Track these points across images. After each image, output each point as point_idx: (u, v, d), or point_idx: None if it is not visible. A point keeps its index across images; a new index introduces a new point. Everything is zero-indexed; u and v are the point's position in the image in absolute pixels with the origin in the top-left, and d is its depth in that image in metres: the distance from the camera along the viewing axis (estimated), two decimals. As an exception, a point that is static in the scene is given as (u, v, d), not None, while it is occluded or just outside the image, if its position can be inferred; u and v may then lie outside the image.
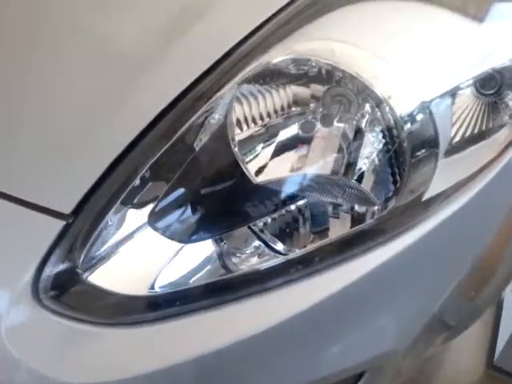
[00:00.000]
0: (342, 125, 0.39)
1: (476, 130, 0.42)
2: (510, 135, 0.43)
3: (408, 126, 0.37)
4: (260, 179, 0.39)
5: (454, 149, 0.41)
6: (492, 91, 0.42)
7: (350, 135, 0.39)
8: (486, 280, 0.54)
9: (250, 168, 0.39)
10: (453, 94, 0.40)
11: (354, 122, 0.39)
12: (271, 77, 0.40)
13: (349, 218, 0.40)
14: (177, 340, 0.37)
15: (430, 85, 0.38)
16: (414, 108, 0.37)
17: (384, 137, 0.38)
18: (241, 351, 0.36)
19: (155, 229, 0.39)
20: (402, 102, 0.37)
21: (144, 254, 0.40)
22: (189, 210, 0.40)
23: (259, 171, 0.39)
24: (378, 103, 0.38)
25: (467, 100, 0.42)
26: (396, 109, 0.37)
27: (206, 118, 0.40)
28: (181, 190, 0.40)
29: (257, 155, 0.40)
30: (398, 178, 0.38)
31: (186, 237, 0.39)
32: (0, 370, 0.39)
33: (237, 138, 0.39)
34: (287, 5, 0.41)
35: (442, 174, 0.41)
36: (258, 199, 0.40)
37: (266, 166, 0.40)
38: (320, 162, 0.39)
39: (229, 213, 0.41)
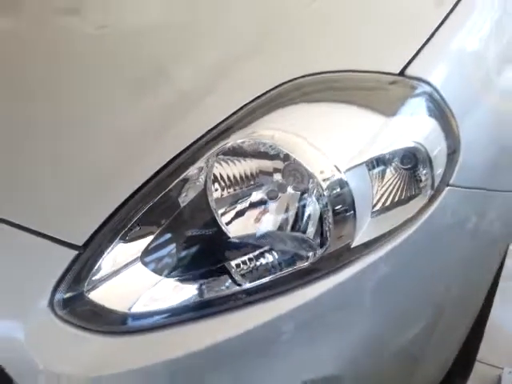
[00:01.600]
0: (293, 191, 0.53)
1: (397, 196, 0.55)
2: (422, 201, 0.55)
3: (328, 194, 0.50)
4: (232, 234, 0.51)
5: (380, 210, 0.54)
6: (409, 166, 0.56)
7: (297, 200, 0.52)
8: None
9: (225, 222, 0.52)
10: (372, 169, 0.53)
11: (301, 190, 0.52)
12: (240, 152, 0.54)
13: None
14: (147, 347, 0.48)
15: (348, 164, 0.51)
16: (334, 182, 0.50)
17: (317, 202, 0.51)
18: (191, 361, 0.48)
19: (144, 263, 0.52)
20: (326, 177, 0.50)
21: (132, 281, 0.52)
22: (172, 253, 0.53)
23: (231, 225, 0.52)
24: (312, 178, 0.51)
25: (390, 173, 0.55)
26: (321, 182, 0.50)
27: (187, 180, 0.54)
28: (167, 236, 0.53)
29: (230, 213, 0.53)
30: (327, 231, 0.50)
31: (167, 273, 0.52)
32: (19, 369, 0.50)
33: (214, 198, 0.52)
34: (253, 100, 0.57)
35: (370, 229, 0.53)
36: (229, 247, 0.53)
37: (237, 222, 0.52)
38: (273, 220, 0.52)
39: (206, 257, 0.54)
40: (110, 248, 0.52)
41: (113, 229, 0.52)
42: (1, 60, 0.77)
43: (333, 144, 0.53)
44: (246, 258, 0.53)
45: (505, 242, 0.74)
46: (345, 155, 0.51)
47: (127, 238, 0.52)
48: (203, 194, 0.53)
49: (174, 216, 0.53)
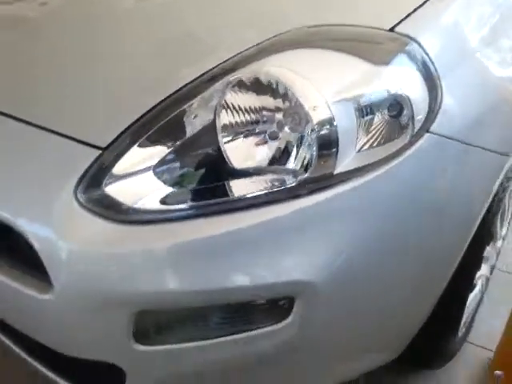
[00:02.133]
0: (288, 131, 0.61)
1: (380, 137, 0.63)
2: (403, 142, 0.63)
3: (318, 129, 0.58)
4: (233, 162, 0.60)
5: (363, 147, 0.62)
6: (394, 113, 0.64)
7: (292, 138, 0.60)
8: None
9: (227, 150, 0.61)
10: (359, 112, 0.61)
11: (296, 131, 0.60)
12: (249, 86, 0.61)
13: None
14: (147, 235, 0.58)
15: (338, 103, 0.60)
16: (324, 119, 0.59)
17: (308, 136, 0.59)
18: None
19: (155, 173, 0.61)
20: (318, 114, 0.58)
21: (142, 184, 0.61)
22: (180, 168, 0.62)
23: (233, 153, 0.60)
24: (306, 114, 0.59)
25: (376, 117, 0.63)
26: (313, 118, 0.58)
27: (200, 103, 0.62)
28: (178, 153, 0.62)
29: (233, 142, 0.61)
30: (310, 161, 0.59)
31: (172, 183, 0.61)
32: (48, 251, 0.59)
33: (221, 124, 0.61)
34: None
35: (352, 161, 0.62)
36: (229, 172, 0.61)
37: (238, 152, 0.61)
38: (270, 156, 0.60)
39: (208, 176, 0.62)
40: (128, 152, 0.61)
41: (133, 135, 0.62)
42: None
43: (326, 83, 0.61)
44: (242, 179, 0.62)
45: (480, 201, 0.80)
46: (336, 95, 0.60)
47: (144, 146, 0.62)
48: (213, 119, 0.61)
49: (186, 136, 0.62)
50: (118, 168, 0.61)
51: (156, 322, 0.62)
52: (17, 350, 0.85)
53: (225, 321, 0.63)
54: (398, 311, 0.75)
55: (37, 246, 0.59)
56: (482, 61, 0.75)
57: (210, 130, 0.61)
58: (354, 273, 0.64)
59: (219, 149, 0.61)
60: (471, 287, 0.97)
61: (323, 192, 0.60)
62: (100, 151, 0.61)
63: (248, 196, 0.60)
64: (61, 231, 0.59)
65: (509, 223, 1.24)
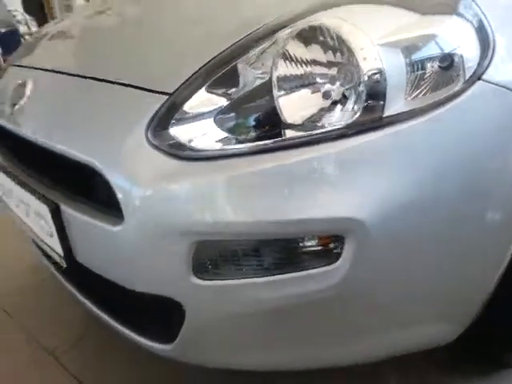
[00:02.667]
0: (340, 85, 0.65)
1: (431, 84, 0.65)
2: (454, 89, 0.65)
3: (367, 80, 0.62)
4: (286, 117, 0.64)
5: (413, 93, 0.64)
6: (446, 64, 0.65)
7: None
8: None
9: (281, 103, 0.66)
10: (411, 63, 0.64)
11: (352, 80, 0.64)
12: (307, 37, 0.67)
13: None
14: (204, 169, 0.65)
15: (389, 56, 0.63)
16: (374, 70, 0.63)
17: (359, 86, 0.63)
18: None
19: (215, 121, 0.67)
20: (367, 65, 0.62)
21: (202, 128, 0.67)
22: (237, 118, 0.67)
23: (285, 109, 0.65)
24: (357, 65, 0.63)
25: (430, 69, 0.65)
26: (364, 68, 0.62)
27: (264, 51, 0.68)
28: (237, 104, 0.68)
29: (286, 97, 0.66)
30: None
31: (229, 130, 0.67)
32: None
33: (277, 74, 0.66)
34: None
35: (402, 106, 0.64)
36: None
37: (290, 109, 0.65)
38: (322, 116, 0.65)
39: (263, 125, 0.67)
40: (191, 98, 0.68)
41: (196, 83, 0.69)
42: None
43: (378, 34, 0.64)
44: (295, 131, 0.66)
45: None
46: (388, 47, 0.63)
47: (207, 93, 0.68)
48: (271, 70, 0.67)
49: (244, 87, 0.68)
50: (182, 112, 0.68)
51: (213, 257, 0.67)
52: (82, 299, 0.94)
53: (277, 260, 0.66)
54: (455, 271, 0.73)
55: (112, 181, 0.67)
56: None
57: (267, 82, 0.67)
58: (404, 217, 0.64)
59: (273, 101, 0.66)
60: None
61: (371, 133, 0.63)
62: (167, 96, 0.69)
63: (299, 135, 0.64)
64: (132, 168, 0.67)
65: None
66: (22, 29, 6.13)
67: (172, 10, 1.01)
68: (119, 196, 0.67)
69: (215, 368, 0.83)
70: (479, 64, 0.66)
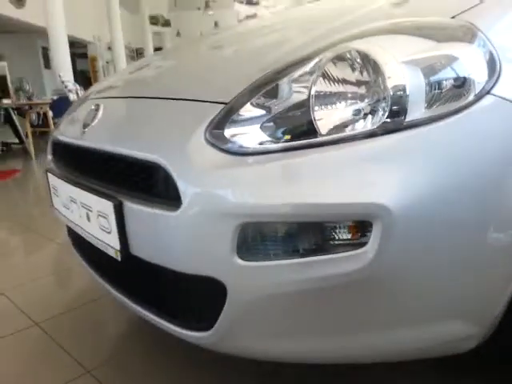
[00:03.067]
0: (369, 102, 0.78)
1: (446, 97, 0.77)
2: (466, 101, 0.76)
3: (392, 94, 0.75)
4: (323, 132, 0.77)
5: (431, 104, 0.76)
6: (459, 83, 0.78)
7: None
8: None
9: (317, 117, 0.79)
10: (429, 83, 0.76)
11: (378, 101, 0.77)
12: (344, 58, 0.81)
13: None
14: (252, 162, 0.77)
15: (411, 76, 0.76)
16: (397, 86, 0.75)
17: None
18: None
19: (261, 128, 0.80)
20: (392, 81, 0.75)
21: (250, 132, 0.81)
22: (280, 125, 0.80)
23: (320, 121, 0.78)
24: (385, 83, 0.76)
25: (445, 87, 0.77)
26: (389, 84, 0.75)
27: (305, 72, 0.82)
28: (279, 114, 0.81)
29: (322, 111, 0.79)
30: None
31: (271, 135, 0.80)
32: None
33: (314, 91, 0.79)
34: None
35: (421, 114, 0.75)
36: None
37: (325, 122, 0.79)
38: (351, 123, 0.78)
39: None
40: (243, 107, 0.82)
41: (247, 96, 0.84)
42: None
43: (402, 58, 0.78)
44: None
45: None
46: (410, 68, 0.76)
47: (255, 104, 0.82)
48: (310, 88, 0.80)
49: (287, 100, 0.82)
50: (235, 118, 0.82)
51: (254, 239, 0.76)
52: (125, 299, 1.03)
53: (312, 242, 0.75)
54: (478, 267, 0.80)
55: (173, 173, 0.80)
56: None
57: (305, 98, 0.80)
58: (426, 207, 0.73)
59: (310, 114, 0.79)
60: None
61: (395, 134, 0.74)
62: (224, 105, 0.84)
63: (331, 137, 0.76)
64: (191, 161, 0.80)
65: None
66: (72, 96, 6.76)
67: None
68: (179, 185, 0.79)
69: (250, 358, 0.88)
70: (487, 82, 0.78)
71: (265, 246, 0.77)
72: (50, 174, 1.27)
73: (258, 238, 0.76)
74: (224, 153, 0.79)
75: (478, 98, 0.77)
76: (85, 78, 12.89)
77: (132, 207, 0.88)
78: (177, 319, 0.93)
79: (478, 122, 0.77)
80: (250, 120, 0.81)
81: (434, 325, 0.83)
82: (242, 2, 8.87)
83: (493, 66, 0.79)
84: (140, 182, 0.90)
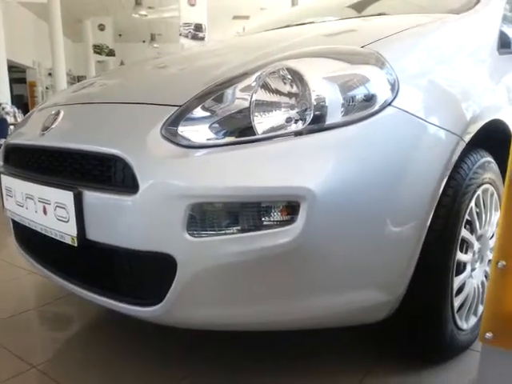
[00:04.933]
0: (298, 109, 0.96)
1: (357, 106, 0.96)
2: (373, 109, 0.96)
3: (315, 104, 0.94)
4: (260, 132, 0.94)
5: (345, 112, 0.95)
6: (365, 97, 0.98)
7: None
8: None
9: (256, 121, 0.95)
10: (344, 94, 0.96)
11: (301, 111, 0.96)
12: (277, 76, 0.99)
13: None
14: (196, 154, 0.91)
15: (329, 91, 0.96)
16: (319, 98, 0.94)
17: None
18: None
19: (209, 128, 0.95)
20: (316, 96, 0.94)
21: (197, 131, 0.96)
22: (223, 128, 0.96)
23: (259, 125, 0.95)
24: (310, 96, 0.95)
25: (355, 96, 0.97)
26: (313, 98, 0.94)
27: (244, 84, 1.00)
28: (225, 117, 0.97)
29: (260, 117, 0.96)
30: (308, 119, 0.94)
31: (217, 133, 0.95)
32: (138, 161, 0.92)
33: (254, 99, 0.96)
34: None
35: (339, 118, 0.94)
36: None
37: (263, 125, 0.96)
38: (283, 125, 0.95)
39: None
40: (194, 109, 0.97)
41: (198, 100, 0.99)
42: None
43: (324, 74, 0.98)
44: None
45: (435, 171, 1.04)
46: (330, 85, 0.96)
47: (205, 108, 0.98)
48: (251, 97, 0.97)
49: (231, 106, 0.98)
50: (187, 118, 0.97)
51: (201, 217, 0.90)
52: (73, 286, 1.12)
53: (251, 220, 0.90)
54: (384, 243, 0.98)
55: (132, 163, 0.93)
56: (430, 66, 1.11)
57: (247, 106, 0.96)
58: (343, 193, 0.91)
59: (250, 118, 0.95)
60: (450, 263, 1.13)
61: (317, 134, 0.93)
62: (177, 107, 0.99)
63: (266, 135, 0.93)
64: (148, 152, 0.94)
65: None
66: (9, 119, 6.59)
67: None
68: (137, 173, 0.91)
69: (199, 329, 0.99)
70: (389, 97, 0.99)
71: (210, 224, 0.90)
72: (3, 176, 1.33)
73: (204, 216, 0.90)
74: (177, 146, 0.93)
75: (382, 108, 0.98)
76: (22, 103, 12.49)
77: (91, 195, 0.99)
78: (128, 297, 1.02)
79: (382, 126, 0.98)
80: (200, 120, 0.96)
81: (353, 291, 0.99)
82: (187, 37, 9.13)
83: (393, 84, 1.01)
84: (99, 174, 1.01)
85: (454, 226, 1.13)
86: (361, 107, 0.97)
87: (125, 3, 12.38)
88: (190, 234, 0.90)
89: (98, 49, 14.49)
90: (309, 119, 0.93)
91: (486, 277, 1.34)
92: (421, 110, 1.02)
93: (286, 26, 1.93)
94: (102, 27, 14.31)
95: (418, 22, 1.28)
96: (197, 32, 9.45)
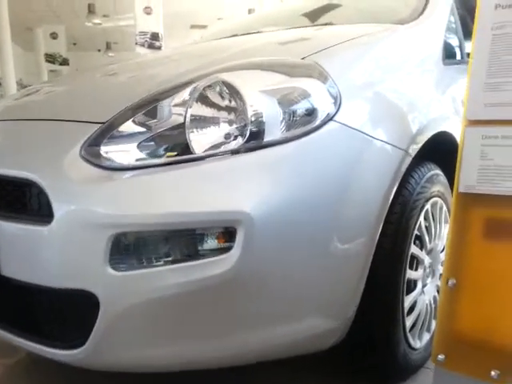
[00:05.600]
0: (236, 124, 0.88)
1: (298, 121, 0.90)
2: (312, 125, 0.90)
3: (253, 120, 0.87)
4: (196, 151, 0.85)
5: (285, 128, 0.89)
6: (307, 111, 0.92)
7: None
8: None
9: (192, 139, 0.87)
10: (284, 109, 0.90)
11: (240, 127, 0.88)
12: (214, 89, 0.91)
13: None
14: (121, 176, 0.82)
15: (268, 105, 0.89)
16: (256, 113, 0.87)
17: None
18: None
19: (138, 147, 0.86)
20: (253, 111, 0.87)
21: (126, 147, 0.86)
22: (153, 144, 0.87)
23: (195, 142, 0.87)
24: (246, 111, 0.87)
25: (296, 111, 0.91)
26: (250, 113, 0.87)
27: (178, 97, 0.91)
28: (157, 134, 0.88)
29: (196, 133, 0.88)
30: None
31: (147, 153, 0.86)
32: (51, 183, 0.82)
33: (189, 114, 0.88)
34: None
35: (278, 133, 0.87)
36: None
37: (199, 143, 0.87)
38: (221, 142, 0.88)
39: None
40: (119, 127, 0.88)
41: (123, 116, 0.90)
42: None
43: (262, 88, 0.91)
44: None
45: (381, 188, 0.99)
46: (268, 99, 0.90)
47: (135, 123, 0.89)
48: (185, 111, 0.88)
49: (164, 121, 0.89)
50: (111, 136, 0.88)
51: (126, 249, 0.80)
52: None
53: (182, 250, 0.81)
54: (329, 267, 0.92)
55: (47, 189, 0.82)
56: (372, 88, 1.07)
57: (182, 120, 0.88)
58: (281, 215, 0.84)
59: (186, 135, 0.87)
60: (400, 282, 1.09)
61: (256, 151, 0.86)
62: (100, 124, 0.89)
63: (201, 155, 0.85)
64: (66, 176, 0.84)
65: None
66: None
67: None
68: (52, 200, 0.81)
69: (122, 371, 0.89)
70: (331, 111, 0.94)
71: (137, 255, 0.81)
72: None
73: (129, 247, 0.80)
74: (99, 168, 0.83)
75: (323, 123, 0.92)
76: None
77: (5, 225, 0.87)
78: (48, 339, 0.91)
79: (323, 143, 0.92)
80: (129, 137, 0.87)
81: (298, 320, 0.92)
82: (143, 46, 8.95)
83: (335, 98, 0.95)
84: (14, 201, 0.90)
85: (402, 243, 1.09)
86: (301, 123, 0.91)
87: (78, 11, 12.02)
88: (113, 267, 0.79)
89: (51, 58, 13.97)
90: (246, 135, 0.86)
91: (438, 291, 1.31)
92: (365, 125, 0.98)
93: (233, 36, 1.88)
94: (54, 35, 13.83)
95: (361, 33, 1.24)
96: (153, 41, 9.29)
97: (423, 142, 1.13)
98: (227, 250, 0.81)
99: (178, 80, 0.97)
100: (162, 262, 0.80)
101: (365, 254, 0.97)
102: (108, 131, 0.88)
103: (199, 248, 0.81)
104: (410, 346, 1.17)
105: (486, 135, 1.01)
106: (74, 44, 16.41)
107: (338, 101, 0.95)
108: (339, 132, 0.93)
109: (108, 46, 15.34)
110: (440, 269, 1.32)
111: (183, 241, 0.81)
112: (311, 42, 1.26)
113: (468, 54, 1.44)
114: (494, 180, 1.00)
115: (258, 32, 1.82)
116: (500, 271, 0.97)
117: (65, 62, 15.01)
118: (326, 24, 1.66)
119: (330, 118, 0.93)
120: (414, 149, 1.07)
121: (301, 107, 0.91)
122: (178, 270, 0.80)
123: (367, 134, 0.97)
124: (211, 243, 0.81)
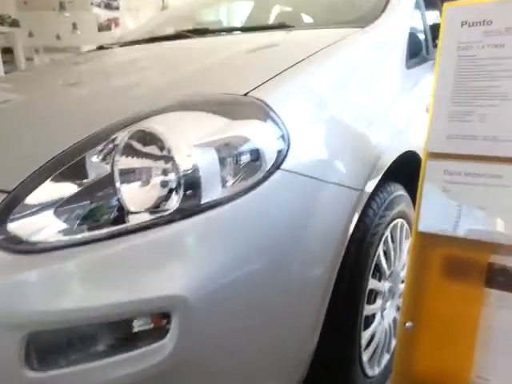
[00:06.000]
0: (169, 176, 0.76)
1: (241, 176, 0.79)
2: (257, 178, 0.79)
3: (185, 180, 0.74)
4: (129, 206, 0.73)
5: (229, 182, 0.77)
6: (250, 157, 0.81)
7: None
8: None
9: (123, 193, 0.75)
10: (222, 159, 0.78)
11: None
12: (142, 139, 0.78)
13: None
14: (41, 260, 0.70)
15: (203, 155, 0.76)
16: (190, 166, 0.75)
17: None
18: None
19: (55, 213, 0.73)
20: (185, 163, 0.75)
21: (42, 220, 0.73)
22: (78, 212, 0.74)
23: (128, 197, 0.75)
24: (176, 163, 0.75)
25: (239, 163, 0.79)
26: (181, 166, 0.75)
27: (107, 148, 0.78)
28: (77, 195, 0.75)
29: (127, 186, 0.75)
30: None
31: (67, 220, 0.73)
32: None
33: (118, 168, 0.75)
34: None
35: (219, 193, 0.76)
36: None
37: (132, 198, 0.75)
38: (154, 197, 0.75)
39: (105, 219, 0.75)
40: (32, 193, 0.74)
41: (35, 181, 0.76)
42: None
43: (193, 137, 0.78)
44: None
45: (338, 232, 0.91)
46: (202, 147, 0.77)
47: (51, 184, 0.75)
48: (112, 165, 0.76)
49: (86, 180, 0.76)
50: (22, 207, 0.73)
51: (45, 347, 0.70)
52: None
53: (111, 343, 0.71)
54: (275, 336, 0.84)
55: None
56: (326, 119, 0.96)
57: (109, 176, 0.75)
58: (225, 290, 0.74)
59: (116, 192, 0.74)
60: (358, 318, 1.04)
61: (192, 218, 0.74)
62: (6, 194, 0.75)
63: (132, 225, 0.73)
64: None
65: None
66: None
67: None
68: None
69: None
70: (277, 158, 0.82)
71: (58, 353, 0.70)
72: None
73: (49, 345, 0.70)
74: (6, 252, 0.70)
75: (270, 173, 0.80)
76: None
77: None
78: None
79: (270, 196, 0.80)
80: (41, 208, 0.73)
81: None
82: (99, 6, 8.39)
83: (284, 142, 0.84)
84: None
85: (359, 281, 1.03)
86: (245, 176, 0.78)
87: (25, -34, 11.05)
88: (31, 368, 0.68)
89: (-1, 19, 12.97)
90: (180, 198, 0.74)
91: (398, 309, 1.27)
92: (316, 168, 0.87)
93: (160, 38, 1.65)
94: (1, -6, 12.76)
95: (319, 45, 1.11)
96: (110, 1, 8.69)
97: (384, 170, 1.04)
98: (162, 337, 0.71)
99: (95, 129, 0.84)
100: (88, 359, 0.69)
101: (320, 305, 0.90)
102: (15, 203, 0.74)
103: (128, 339, 0.71)
104: (367, 376, 1.14)
105: (447, 170, 0.93)
106: (25, 3, 15.21)
107: (286, 145, 0.83)
108: (288, 182, 0.82)
109: (62, 6, 14.32)
110: (400, 288, 1.27)
111: (111, 334, 0.70)
112: (254, 62, 1.11)
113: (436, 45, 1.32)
114: (456, 220, 0.94)
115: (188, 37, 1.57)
116: (455, 313, 0.93)
117: (15, 24, 13.93)
118: (279, 26, 1.49)
119: (276, 167, 0.81)
120: (371, 185, 0.99)
121: (244, 158, 0.79)
122: (106, 366, 0.69)
123: (319, 179, 0.87)
124: (143, 332, 0.71)
